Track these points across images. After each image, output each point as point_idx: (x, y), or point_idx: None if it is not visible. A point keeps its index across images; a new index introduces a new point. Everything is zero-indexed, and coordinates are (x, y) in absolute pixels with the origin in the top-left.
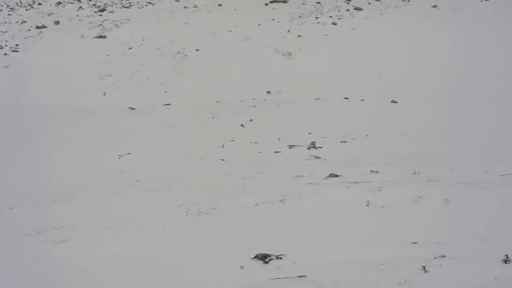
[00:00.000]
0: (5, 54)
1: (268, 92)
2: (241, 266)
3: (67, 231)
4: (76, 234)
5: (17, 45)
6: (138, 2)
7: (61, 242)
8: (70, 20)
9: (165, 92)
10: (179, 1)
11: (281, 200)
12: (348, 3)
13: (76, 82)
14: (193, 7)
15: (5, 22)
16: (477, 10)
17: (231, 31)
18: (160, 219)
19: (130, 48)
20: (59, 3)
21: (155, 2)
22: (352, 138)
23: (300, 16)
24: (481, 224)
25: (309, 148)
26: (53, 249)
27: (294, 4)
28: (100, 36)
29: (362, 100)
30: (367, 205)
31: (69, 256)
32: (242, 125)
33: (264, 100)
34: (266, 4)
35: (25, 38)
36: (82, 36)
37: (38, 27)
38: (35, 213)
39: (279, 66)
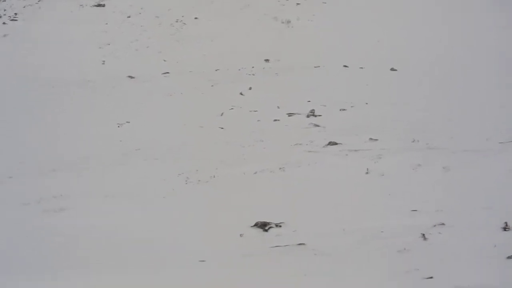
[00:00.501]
0: (4, 23)
1: (267, 60)
2: (240, 234)
3: (65, 200)
4: (75, 203)
5: (15, 14)
6: None
7: (61, 211)
8: None
9: (164, 60)
10: None
11: (280, 168)
12: None
13: (75, 50)
14: None
15: None
16: None
17: None
18: (159, 188)
19: (129, 17)
20: None
21: None
22: (352, 106)
23: None
24: (480, 192)
25: (308, 116)
26: (51, 218)
27: None
28: (99, 5)
29: (361, 68)
30: (367, 173)
31: (68, 225)
32: (241, 93)
33: (263, 68)
34: None
35: (24, 7)
36: (80, 5)
37: None
38: (36, 182)
39: (278, 34)
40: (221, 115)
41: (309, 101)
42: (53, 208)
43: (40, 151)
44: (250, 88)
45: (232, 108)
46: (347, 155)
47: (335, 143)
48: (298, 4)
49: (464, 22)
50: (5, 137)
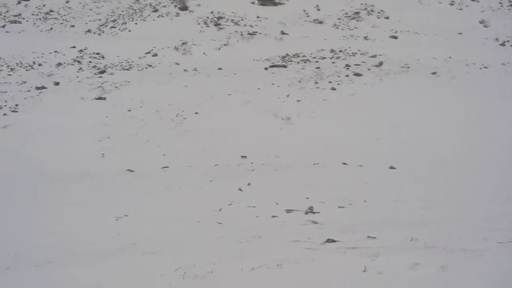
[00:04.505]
0: (5, 114)
1: (267, 156)
2: None
3: None
4: None
5: (16, 105)
6: (138, 65)
7: None
8: (70, 81)
9: (164, 155)
10: (179, 64)
11: (278, 265)
12: (347, 69)
13: (75, 143)
14: (192, 70)
15: (5, 82)
16: (476, 77)
17: (230, 94)
18: (157, 282)
19: (129, 110)
20: (59, 64)
21: (155, 65)
22: (350, 204)
23: (299, 81)
24: None
25: (306, 213)
26: None
27: (293, 69)
28: (100, 98)
29: (361, 165)
30: (364, 271)
31: None
32: (240, 189)
33: (262, 164)
34: (266, 69)
35: (25, 98)
36: (81, 98)
37: (37, 88)
38: (32, 274)
39: (277, 130)
40: (219, 210)
41: (307, 198)
42: None
43: (37, 243)
44: (249, 184)
45: (230, 204)
46: (345, 252)
47: (333, 240)
48: (298, 101)
49: (467, 111)
50: (2, 228)
